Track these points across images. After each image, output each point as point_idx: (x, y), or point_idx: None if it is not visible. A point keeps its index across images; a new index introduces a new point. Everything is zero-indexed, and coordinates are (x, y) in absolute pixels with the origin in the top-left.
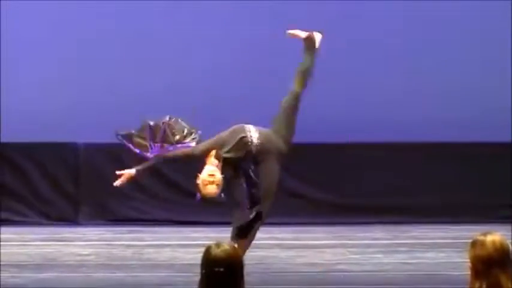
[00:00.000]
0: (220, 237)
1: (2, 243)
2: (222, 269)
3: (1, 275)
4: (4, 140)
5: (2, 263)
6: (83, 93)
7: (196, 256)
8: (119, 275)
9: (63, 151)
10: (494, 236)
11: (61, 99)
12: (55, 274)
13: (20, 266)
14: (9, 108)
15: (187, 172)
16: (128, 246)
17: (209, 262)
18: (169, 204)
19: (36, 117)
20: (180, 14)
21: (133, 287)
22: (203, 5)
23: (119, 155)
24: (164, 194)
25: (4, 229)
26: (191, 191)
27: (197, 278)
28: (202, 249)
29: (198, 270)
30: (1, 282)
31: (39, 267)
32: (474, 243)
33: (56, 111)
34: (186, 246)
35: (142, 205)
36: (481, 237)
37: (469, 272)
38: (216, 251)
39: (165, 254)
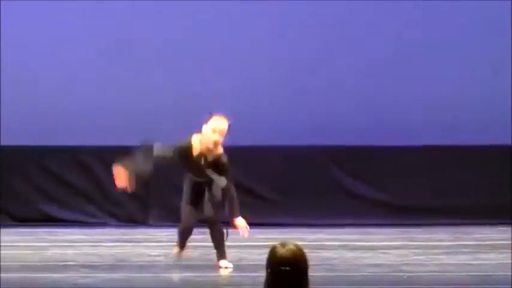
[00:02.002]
0: (285, 238)
1: (73, 244)
2: (288, 268)
3: (73, 275)
4: (77, 143)
5: (73, 263)
6: (152, 96)
7: (261, 257)
8: (187, 275)
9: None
10: None
11: (128, 103)
12: (125, 274)
13: (91, 267)
14: (81, 113)
15: (255, 174)
16: (196, 247)
17: (275, 261)
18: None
19: (107, 121)
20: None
21: (201, 287)
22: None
23: None
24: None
25: (76, 230)
26: (258, 192)
27: (263, 278)
28: (268, 250)
29: (264, 270)
30: (73, 282)
31: (109, 267)
32: None
33: (124, 114)
34: (252, 247)
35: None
36: None
37: None
38: (282, 251)
39: (232, 255)
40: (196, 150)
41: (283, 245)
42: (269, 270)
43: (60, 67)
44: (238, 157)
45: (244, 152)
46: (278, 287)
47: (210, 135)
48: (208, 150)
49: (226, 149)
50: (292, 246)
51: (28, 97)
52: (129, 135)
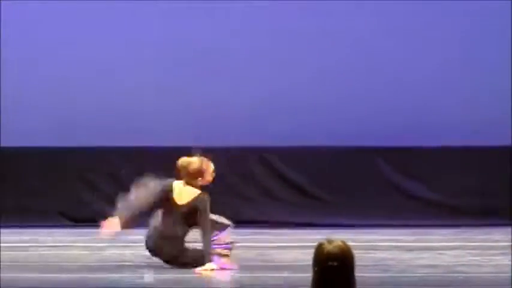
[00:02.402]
0: (338, 239)
1: (131, 244)
2: (335, 264)
3: (130, 275)
4: (130, 144)
5: (130, 263)
6: (213, 97)
7: None
8: (243, 275)
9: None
10: None
11: (195, 105)
12: (180, 275)
13: (148, 267)
14: (141, 115)
15: (311, 175)
16: (251, 247)
17: (323, 258)
18: (293, 207)
19: (168, 123)
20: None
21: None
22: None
23: (240, 158)
24: (287, 196)
25: (133, 230)
26: (314, 194)
27: None
28: None
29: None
30: (130, 282)
31: (165, 268)
32: None
33: (178, 116)
34: (309, 247)
35: (265, 207)
36: None
37: None
38: (329, 247)
39: (288, 255)
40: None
41: (329, 241)
42: (316, 268)
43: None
44: (291, 157)
45: (298, 152)
46: (326, 283)
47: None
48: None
49: (284, 149)
50: (339, 243)
51: (95, 98)
52: (188, 136)
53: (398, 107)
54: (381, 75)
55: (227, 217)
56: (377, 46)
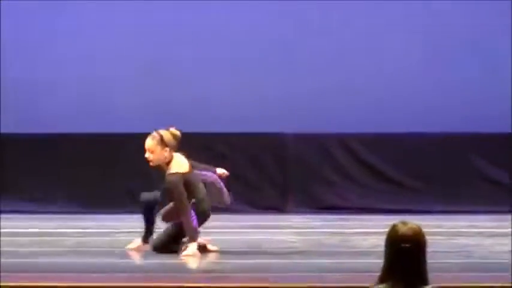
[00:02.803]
0: (421, 225)
1: (211, 230)
2: (408, 245)
3: (208, 260)
4: (211, 130)
5: (215, 248)
6: (291, 83)
7: None
8: (325, 261)
9: (272, 142)
10: None
11: (270, 90)
12: (262, 261)
13: (227, 253)
14: (214, 100)
15: (394, 161)
16: (335, 233)
17: (397, 239)
18: (375, 192)
19: (246, 109)
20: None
21: (340, 274)
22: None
23: (325, 144)
24: (370, 182)
25: (214, 216)
26: (396, 180)
27: None
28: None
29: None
30: (209, 268)
31: (245, 253)
32: None
33: (263, 102)
34: None
35: (348, 193)
36: None
37: None
38: (403, 229)
39: (371, 241)
40: None
41: (404, 223)
42: (388, 249)
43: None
44: (377, 144)
45: (385, 139)
46: (398, 264)
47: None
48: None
49: (366, 137)
50: (412, 225)
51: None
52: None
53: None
54: (473, 62)
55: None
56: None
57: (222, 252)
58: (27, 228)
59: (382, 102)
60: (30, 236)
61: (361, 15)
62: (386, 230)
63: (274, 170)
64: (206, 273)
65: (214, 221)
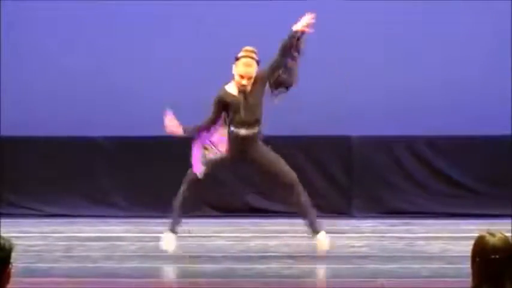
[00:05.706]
0: (490, 229)
1: (277, 234)
2: (497, 256)
3: (276, 265)
4: (276, 133)
5: (276, 253)
6: (357, 85)
7: (467, 248)
8: (391, 266)
9: (337, 144)
10: None
11: (335, 92)
12: (327, 266)
13: (295, 257)
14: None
15: (462, 165)
16: (400, 238)
17: (486, 250)
18: (442, 197)
19: (311, 111)
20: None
21: (405, 279)
22: None
23: (391, 147)
24: (436, 186)
25: (278, 220)
26: (463, 184)
27: (467, 269)
28: (473, 241)
29: (469, 262)
30: (276, 272)
31: (312, 258)
32: None
33: (329, 104)
34: (458, 238)
35: (414, 198)
36: None
37: None
38: (493, 240)
39: (437, 246)
40: (233, 93)
41: (492, 234)
42: (478, 260)
43: None
44: (445, 148)
45: (453, 143)
46: (488, 276)
47: (238, 80)
48: (244, 87)
49: (433, 140)
50: (501, 235)
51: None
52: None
53: None
54: None
55: None
56: None
57: (291, 257)
58: (96, 233)
59: (451, 105)
60: (98, 241)
61: (433, 19)
62: (453, 234)
63: (340, 174)
64: (278, 278)
65: (284, 225)
